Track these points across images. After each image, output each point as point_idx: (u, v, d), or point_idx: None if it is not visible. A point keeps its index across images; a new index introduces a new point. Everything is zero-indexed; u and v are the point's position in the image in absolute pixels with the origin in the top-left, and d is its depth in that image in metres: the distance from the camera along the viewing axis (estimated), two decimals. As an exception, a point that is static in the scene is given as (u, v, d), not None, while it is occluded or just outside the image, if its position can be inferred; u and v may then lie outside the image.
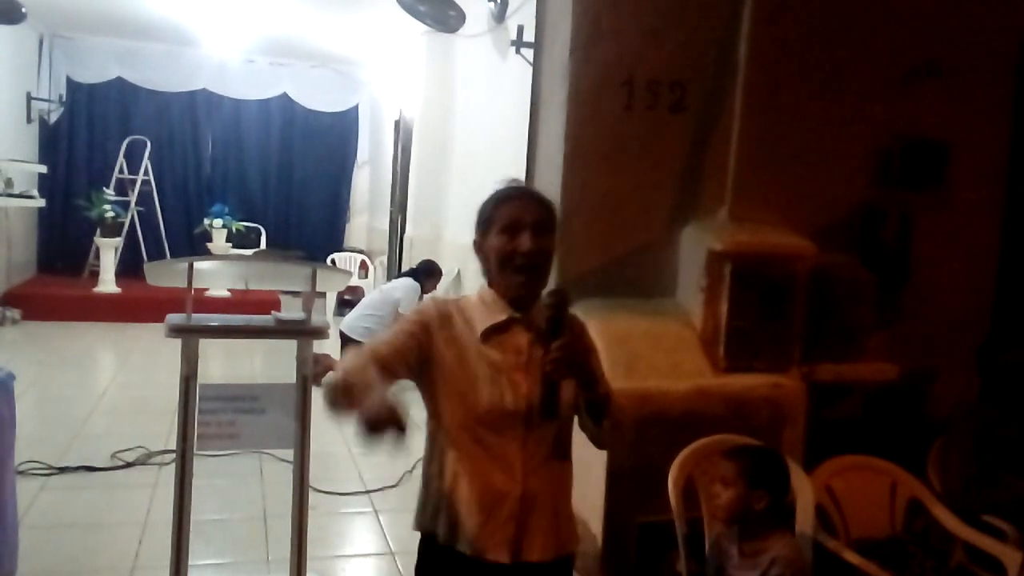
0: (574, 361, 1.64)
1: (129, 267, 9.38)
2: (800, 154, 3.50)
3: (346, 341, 6.22)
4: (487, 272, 1.79)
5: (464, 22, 7.00)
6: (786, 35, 3.42)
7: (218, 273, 3.73)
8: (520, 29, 5.63)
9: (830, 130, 3.54)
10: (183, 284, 2.67)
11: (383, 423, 1.46)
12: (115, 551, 3.53)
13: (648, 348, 3.24)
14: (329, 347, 5.38)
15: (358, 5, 7.96)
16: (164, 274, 2.84)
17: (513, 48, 5.71)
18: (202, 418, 2.65)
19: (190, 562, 2.71)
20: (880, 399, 3.62)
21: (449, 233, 7.75)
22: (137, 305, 8.71)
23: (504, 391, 1.70)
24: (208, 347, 2.72)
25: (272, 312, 2.88)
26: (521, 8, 5.86)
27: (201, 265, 2.82)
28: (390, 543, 3.77)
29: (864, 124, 3.59)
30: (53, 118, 10.57)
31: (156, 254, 9.76)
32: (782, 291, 3.35)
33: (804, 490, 2.77)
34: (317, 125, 11.85)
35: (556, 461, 1.79)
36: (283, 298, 8.29)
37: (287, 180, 11.91)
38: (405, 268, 7.84)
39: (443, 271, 6.93)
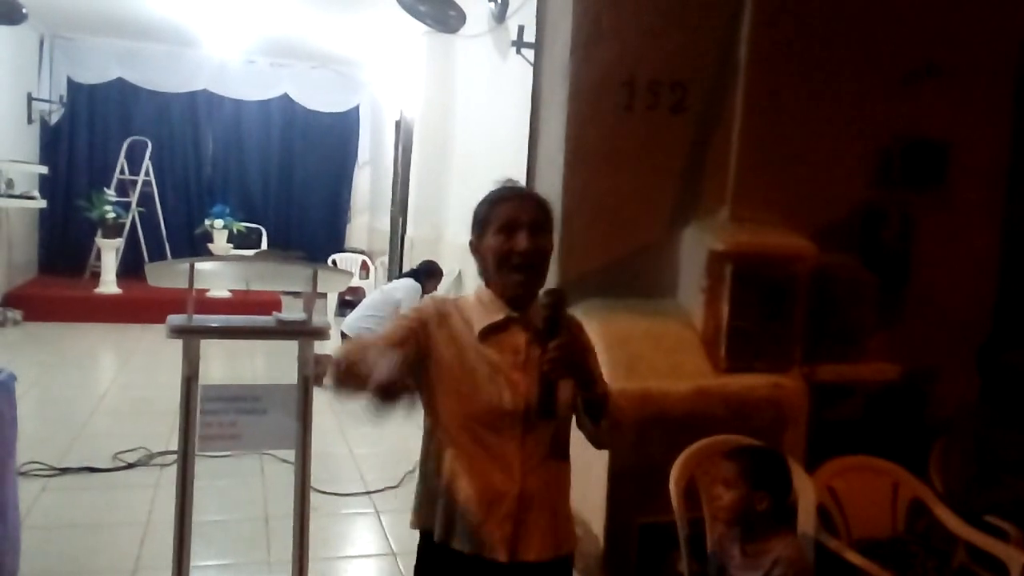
0: (571, 361, 1.65)
1: (130, 268, 9.39)
2: (801, 154, 3.50)
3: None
4: (484, 272, 1.80)
5: (464, 22, 7.01)
6: (787, 35, 3.42)
7: (219, 274, 3.73)
8: (520, 29, 5.63)
9: (831, 130, 3.54)
10: (184, 285, 2.67)
11: (396, 388, 1.50)
12: (117, 552, 3.53)
13: (649, 348, 3.24)
14: (330, 348, 5.37)
15: (358, 6, 7.96)
16: (165, 275, 2.84)
17: (513, 48, 5.72)
18: (203, 419, 2.65)
19: (192, 563, 2.71)
20: (881, 399, 3.61)
21: (450, 233, 7.75)
22: (138, 306, 8.72)
23: (502, 390, 1.71)
24: (209, 348, 2.71)
25: (273, 313, 2.87)
26: (521, 8, 5.86)
27: (202, 266, 2.82)
28: (392, 544, 3.77)
29: (865, 124, 3.59)
30: (54, 119, 10.58)
31: (157, 255, 9.77)
32: (783, 291, 3.35)
33: (806, 490, 2.77)
34: (318, 125, 11.85)
35: (554, 461, 1.79)
36: (284, 299, 8.30)
37: (288, 181, 11.92)
38: (406, 269, 7.84)
39: (444, 272, 6.93)
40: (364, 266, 10.27)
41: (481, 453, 1.72)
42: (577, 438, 1.86)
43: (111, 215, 9.19)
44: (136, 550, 3.54)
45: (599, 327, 3.24)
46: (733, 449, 2.61)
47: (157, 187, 10.23)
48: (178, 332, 2.60)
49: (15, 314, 8.34)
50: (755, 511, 2.44)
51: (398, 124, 9.78)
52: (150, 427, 5.03)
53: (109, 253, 9.29)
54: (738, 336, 3.30)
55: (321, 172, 12.02)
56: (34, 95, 10.02)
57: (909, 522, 3.05)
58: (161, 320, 2.66)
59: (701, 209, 3.48)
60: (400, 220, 9.35)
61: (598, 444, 1.84)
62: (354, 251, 11.13)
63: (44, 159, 10.24)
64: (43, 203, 9.51)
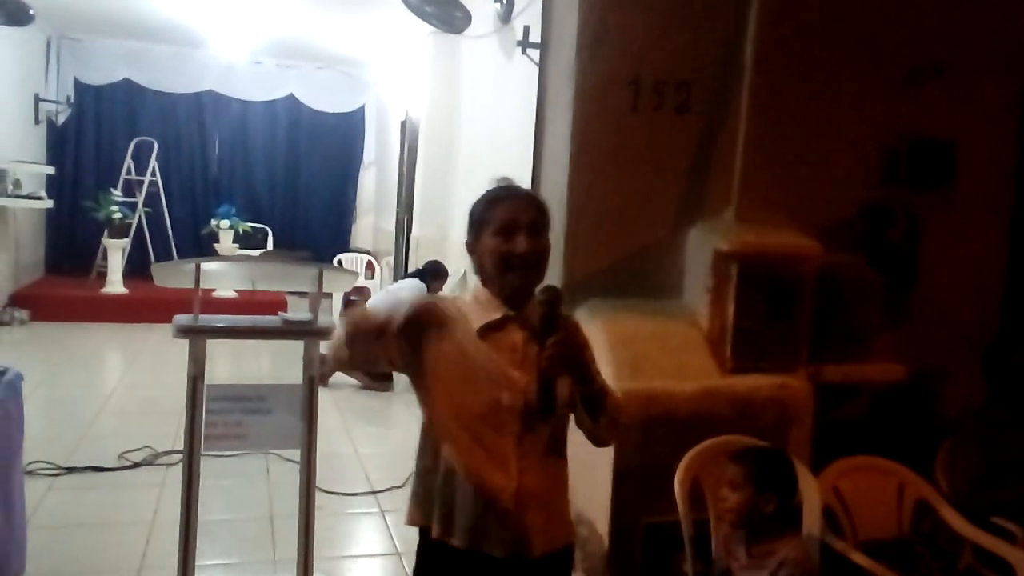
0: (569, 357, 1.66)
1: (136, 268, 9.42)
2: (806, 154, 3.49)
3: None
4: (481, 272, 1.81)
5: (470, 23, 7.01)
6: (792, 35, 3.42)
7: (225, 274, 3.74)
8: (526, 30, 5.63)
9: (836, 130, 3.53)
10: (190, 285, 2.67)
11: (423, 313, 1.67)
12: (122, 551, 3.54)
13: (654, 349, 3.23)
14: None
15: (364, 6, 7.97)
16: (171, 275, 2.84)
17: (519, 49, 5.71)
18: (209, 418, 2.65)
19: (197, 562, 2.72)
20: (887, 400, 3.60)
21: (455, 233, 7.75)
22: (144, 306, 8.74)
23: (500, 388, 1.72)
24: (215, 348, 2.72)
25: (279, 313, 2.88)
26: (527, 9, 5.86)
27: (208, 266, 2.83)
28: (396, 544, 3.78)
29: (870, 124, 3.58)
30: (61, 119, 10.61)
31: (163, 255, 9.77)
32: (789, 292, 3.34)
33: (811, 491, 2.77)
34: (323, 126, 11.87)
35: (552, 458, 1.80)
36: (290, 299, 8.29)
37: (294, 181, 11.94)
38: (411, 269, 7.85)
39: (449, 272, 6.93)
40: (369, 266, 10.28)
41: (479, 450, 1.73)
42: (580, 438, 1.86)
43: (117, 215, 9.21)
44: (142, 549, 3.55)
45: (604, 327, 3.24)
46: (739, 451, 2.61)
47: (163, 187, 10.25)
48: (184, 332, 2.61)
49: (22, 314, 8.37)
50: (761, 513, 2.44)
51: (404, 124, 9.79)
52: (156, 426, 5.04)
53: (115, 253, 9.32)
54: (744, 336, 3.30)
55: (327, 172, 12.04)
56: (41, 96, 10.04)
57: (915, 523, 3.04)
58: (167, 320, 2.67)
59: (706, 209, 3.47)
60: (405, 220, 9.36)
61: (597, 441, 1.85)
62: (359, 251, 11.15)
63: (51, 159, 10.27)
64: (50, 203, 9.54)
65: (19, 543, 3.02)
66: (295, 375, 2.78)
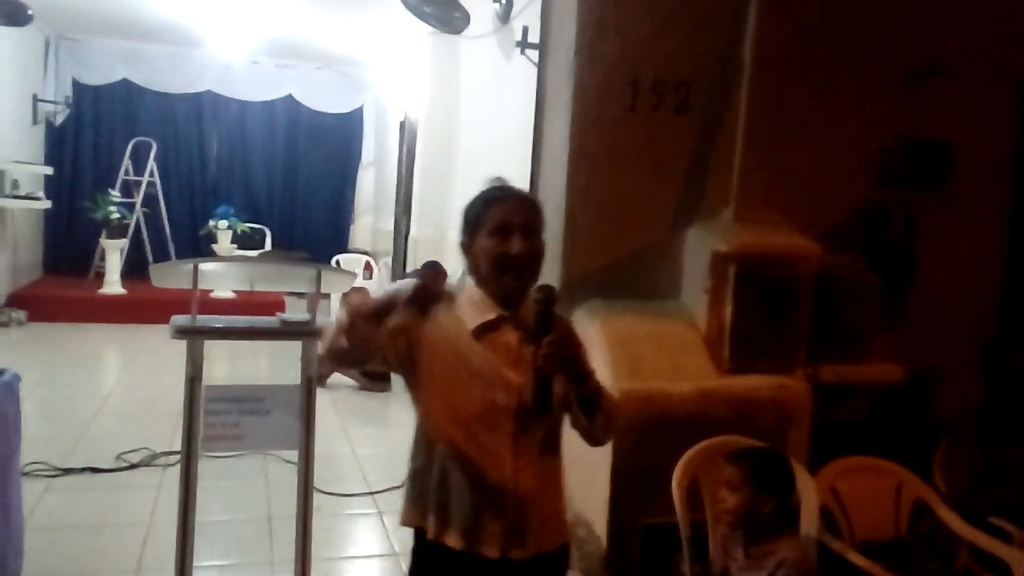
0: (566, 355, 1.66)
1: (134, 268, 9.40)
2: (805, 155, 3.50)
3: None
4: (475, 273, 1.80)
5: (469, 23, 7.01)
6: (790, 35, 3.42)
7: (223, 274, 3.74)
8: (525, 30, 5.63)
9: (834, 130, 3.54)
10: (188, 285, 2.67)
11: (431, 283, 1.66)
12: (120, 552, 3.53)
13: (652, 349, 3.24)
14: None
15: (363, 6, 7.96)
16: (169, 275, 2.85)
17: (518, 49, 5.71)
18: (207, 419, 2.65)
19: (195, 563, 2.72)
20: (885, 400, 3.61)
21: (454, 234, 7.64)
22: (142, 306, 8.73)
23: (495, 388, 1.72)
24: (213, 348, 2.72)
25: (277, 313, 2.88)
26: (526, 9, 5.86)
27: (206, 266, 2.83)
28: (394, 545, 3.77)
29: (868, 124, 3.59)
30: (59, 120, 10.59)
31: (161, 255, 9.76)
32: (787, 292, 3.35)
33: (808, 492, 2.77)
34: (322, 126, 11.86)
35: (546, 457, 1.81)
36: (288, 299, 8.32)
37: (292, 181, 11.93)
38: (410, 269, 7.84)
39: (448, 272, 6.92)
40: (368, 267, 10.27)
41: (474, 450, 1.73)
42: (578, 439, 1.86)
43: (116, 216, 9.20)
44: (139, 550, 3.55)
45: (602, 327, 3.25)
46: (736, 452, 2.61)
47: (162, 188, 10.23)
48: (182, 333, 2.61)
49: (20, 314, 8.36)
50: (760, 514, 2.44)
51: (402, 125, 9.78)
52: (153, 427, 5.03)
53: (113, 254, 9.31)
54: (742, 337, 3.30)
55: (325, 173, 12.03)
56: (39, 96, 10.03)
57: (912, 523, 3.04)
58: (165, 321, 2.67)
59: (705, 209, 3.48)
60: (404, 220, 9.35)
61: (592, 440, 1.84)
62: (358, 252, 11.13)
63: (49, 160, 10.26)
64: (48, 204, 9.53)
65: (16, 544, 3.01)
66: (293, 376, 2.79)
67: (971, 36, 3.67)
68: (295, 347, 2.76)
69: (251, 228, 10.41)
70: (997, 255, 3.85)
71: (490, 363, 1.73)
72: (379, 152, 11.90)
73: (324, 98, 11.70)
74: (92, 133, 10.89)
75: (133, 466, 4.54)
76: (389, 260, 9.99)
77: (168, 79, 10.93)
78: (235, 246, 9.98)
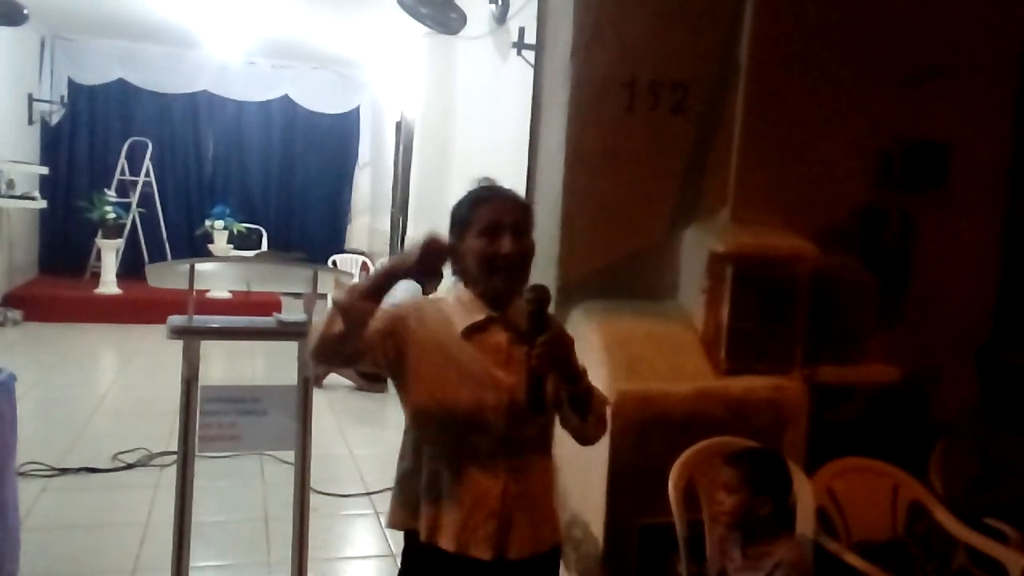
0: (559, 355, 1.65)
1: (130, 268, 9.38)
2: (802, 155, 3.50)
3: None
4: (463, 273, 1.79)
5: (465, 24, 7.00)
6: (788, 36, 3.42)
7: (219, 275, 3.74)
8: (521, 31, 5.63)
9: (832, 131, 3.54)
10: (184, 286, 2.67)
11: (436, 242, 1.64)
12: (116, 552, 3.53)
13: (649, 350, 3.24)
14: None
15: (359, 7, 7.96)
16: (166, 276, 2.85)
17: (514, 50, 5.70)
18: (203, 420, 2.65)
19: (191, 563, 2.72)
20: (882, 401, 3.61)
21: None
22: (138, 306, 8.72)
23: (485, 389, 1.71)
24: (209, 349, 2.72)
25: (273, 314, 2.88)
26: (522, 10, 5.86)
27: (202, 267, 2.83)
28: (391, 545, 3.77)
29: (865, 125, 3.59)
30: (55, 119, 10.57)
31: (157, 255, 9.76)
32: (784, 293, 3.35)
33: (805, 493, 2.77)
34: (318, 127, 11.85)
35: (538, 458, 1.81)
36: (284, 300, 8.29)
37: (288, 181, 11.91)
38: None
39: (444, 273, 6.92)
40: (364, 267, 10.27)
41: (464, 451, 1.72)
42: (572, 441, 1.86)
43: (111, 216, 9.19)
44: (136, 550, 3.55)
45: (599, 328, 3.25)
46: (733, 453, 2.61)
47: (158, 188, 10.23)
48: (178, 333, 2.61)
49: (15, 314, 8.34)
50: (757, 515, 2.44)
51: (399, 125, 9.78)
52: (150, 428, 5.03)
53: (109, 254, 9.30)
54: (739, 337, 3.30)
55: (322, 173, 12.02)
56: (35, 96, 10.01)
57: (909, 524, 3.05)
58: (161, 321, 2.67)
59: (702, 210, 3.48)
60: (400, 221, 9.35)
61: (583, 440, 1.84)
62: (354, 252, 11.13)
63: (45, 160, 10.24)
64: (44, 203, 9.51)
65: (13, 545, 3.01)
66: (290, 376, 2.79)
67: (969, 37, 3.68)
68: (292, 347, 2.76)
69: (247, 228, 10.40)
70: (994, 255, 3.86)
71: (480, 364, 1.72)
72: (375, 152, 11.90)
73: (320, 98, 11.69)
74: (88, 133, 10.86)
75: (130, 466, 4.54)
76: (385, 260, 9.97)
77: (164, 79, 10.92)
78: (231, 246, 9.97)
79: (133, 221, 9.83)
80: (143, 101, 11.01)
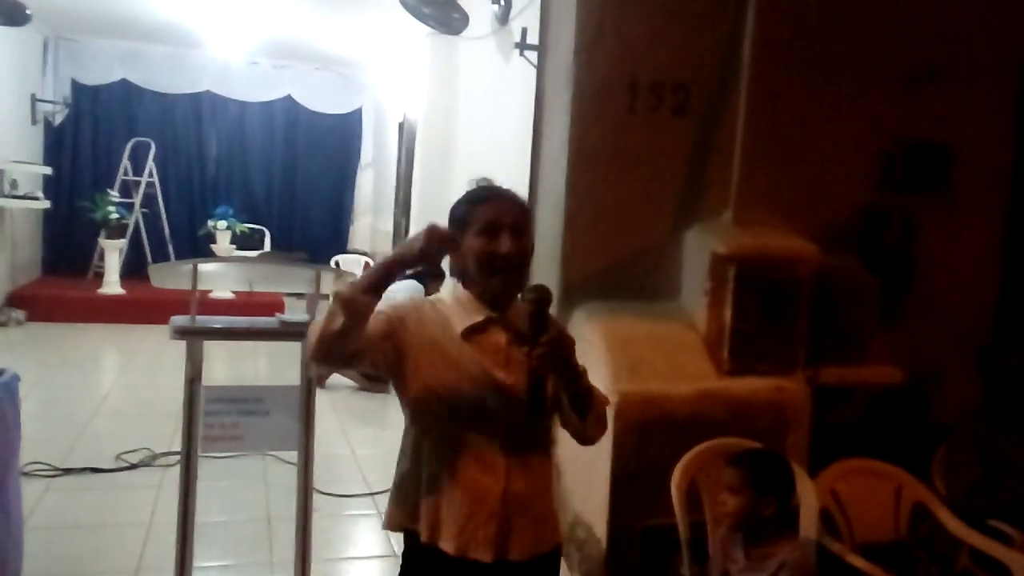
0: (561, 356, 1.65)
1: (133, 269, 9.41)
2: (804, 157, 3.50)
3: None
4: (461, 274, 1.79)
5: (468, 24, 7.01)
6: (789, 37, 3.42)
7: (222, 275, 3.74)
8: (524, 32, 5.63)
9: (833, 132, 3.54)
10: (187, 286, 2.67)
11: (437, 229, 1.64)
12: (119, 552, 3.53)
13: (651, 351, 3.24)
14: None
15: (362, 7, 7.97)
16: (168, 276, 2.85)
17: (517, 50, 5.71)
18: (206, 420, 2.65)
19: (194, 564, 2.72)
20: (884, 402, 3.61)
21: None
22: (141, 307, 8.72)
23: (485, 390, 1.71)
24: (212, 349, 2.72)
25: (276, 314, 2.88)
26: (525, 11, 5.86)
27: (205, 267, 2.83)
28: (394, 545, 3.77)
29: (867, 127, 3.59)
30: (58, 120, 10.59)
31: (160, 256, 9.77)
32: (786, 294, 3.35)
33: (807, 494, 2.77)
34: (321, 127, 11.86)
35: (538, 458, 1.80)
36: (287, 300, 8.29)
37: (291, 182, 11.93)
38: (409, 271, 7.84)
39: (447, 273, 6.92)
40: (367, 267, 10.26)
41: (464, 453, 1.72)
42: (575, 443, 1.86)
43: (115, 216, 9.21)
44: (139, 551, 3.55)
45: (601, 329, 3.25)
46: (735, 455, 2.61)
47: (161, 188, 10.24)
48: (181, 333, 2.61)
49: (19, 314, 8.35)
50: (760, 516, 2.44)
51: (401, 126, 9.79)
52: (153, 428, 5.03)
53: (112, 254, 9.31)
54: (741, 339, 3.30)
55: (324, 173, 12.03)
56: (38, 96, 10.03)
57: (912, 526, 3.04)
58: (164, 321, 2.67)
59: (704, 211, 3.48)
60: (403, 221, 9.36)
61: (583, 440, 1.84)
62: (357, 252, 11.14)
63: (48, 160, 10.26)
64: (47, 204, 9.53)
65: (16, 545, 3.01)
66: (292, 377, 2.79)
67: (971, 37, 3.68)
68: (294, 348, 2.76)
69: (250, 229, 10.42)
70: (995, 257, 3.86)
71: (479, 365, 1.72)
72: (378, 153, 11.91)
73: (323, 99, 11.70)
74: (91, 133, 10.89)
75: (133, 466, 4.54)
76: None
77: (167, 79, 10.94)
78: (234, 247, 9.99)
79: (136, 221, 9.84)
80: (146, 101, 11.04)
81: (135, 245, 9.83)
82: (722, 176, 3.46)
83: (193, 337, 2.63)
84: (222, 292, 8.49)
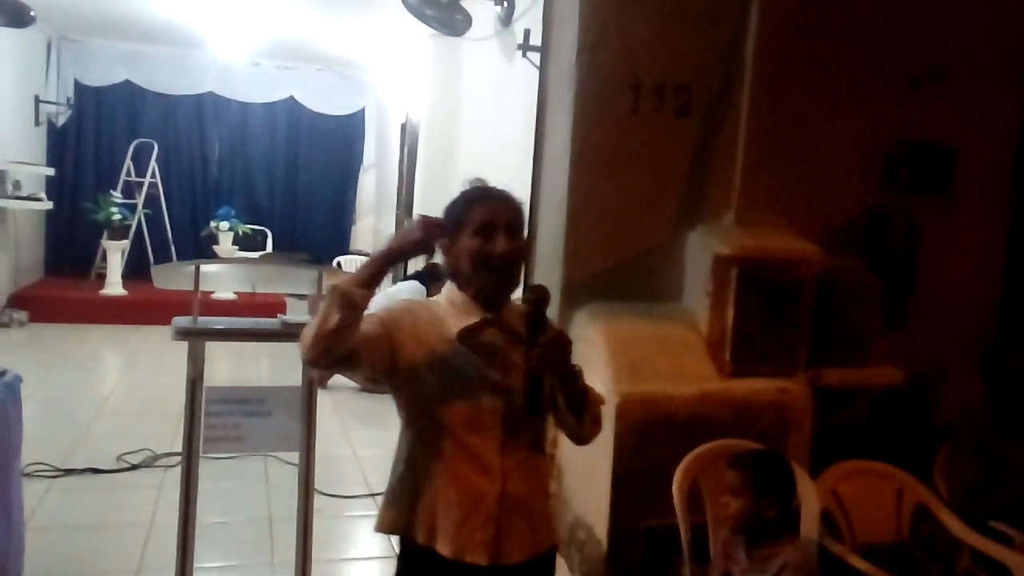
0: (559, 356, 1.65)
1: (136, 269, 9.42)
2: (806, 158, 3.50)
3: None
4: (456, 274, 1.79)
5: (470, 26, 7.01)
6: (792, 39, 3.42)
7: (224, 276, 3.74)
8: (527, 33, 5.64)
9: (836, 134, 3.54)
10: (190, 287, 2.68)
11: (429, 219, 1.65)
12: (121, 553, 3.53)
13: (653, 352, 3.23)
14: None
15: (364, 8, 7.97)
16: (171, 277, 2.85)
17: (519, 52, 5.72)
18: (208, 421, 2.65)
19: (195, 564, 2.72)
20: (886, 404, 3.60)
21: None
22: (143, 307, 8.74)
23: (481, 391, 1.71)
24: (214, 350, 2.72)
25: (278, 315, 2.88)
26: (528, 12, 5.87)
27: (208, 268, 2.83)
28: (394, 547, 3.76)
29: (870, 128, 3.59)
30: (61, 121, 10.61)
31: (163, 257, 9.78)
32: (788, 295, 3.34)
33: (809, 495, 2.77)
34: (323, 128, 11.87)
35: (533, 459, 1.80)
36: (289, 301, 8.31)
37: (293, 183, 11.94)
38: (410, 271, 7.85)
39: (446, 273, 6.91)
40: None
41: (461, 454, 1.71)
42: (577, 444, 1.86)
43: (117, 217, 9.22)
44: (140, 551, 3.55)
45: (603, 330, 3.24)
46: (737, 456, 2.60)
47: (163, 189, 10.25)
48: (183, 334, 2.61)
49: (21, 315, 8.36)
50: (763, 518, 2.43)
51: (404, 127, 9.79)
52: (154, 429, 5.03)
53: (115, 255, 9.32)
54: (743, 340, 3.30)
55: (326, 174, 12.05)
56: (41, 97, 10.04)
57: (913, 527, 3.04)
58: (166, 322, 2.67)
59: (706, 212, 3.48)
60: (405, 223, 9.36)
61: (579, 440, 1.85)
62: (359, 253, 11.14)
63: (51, 161, 10.28)
64: (49, 205, 9.54)
65: (17, 545, 3.01)
66: (294, 378, 2.79)
67: (972, 38, 3.67)
68: (296, 349, 2.75)
69: (252, 230, 10.43)
70: (998, 258, 3.85)
71: (475, 366, 1.72)
72: (380, 154, 11.91)
73: (325, 100, 11.72)
74: (94, 134, 10.91)
75: (134, 467, 4.54)
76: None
77: (169, 80, 10.96)
78: (236, 247, 10.00)
79: (139, 222, 9.86)
80: (149, 102, 11.06)
81: (137, 246, 9.84)
82: (724, 177, 3.46)
83: (195, 338, 2.63)
84: (224, 293, 8.50)
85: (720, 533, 2.66)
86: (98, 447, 4.78)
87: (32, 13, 7.89)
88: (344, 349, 1.59)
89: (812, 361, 3.44)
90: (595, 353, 3.14)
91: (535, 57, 4.68)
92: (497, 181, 1.85)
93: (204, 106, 11.35)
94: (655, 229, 3.47)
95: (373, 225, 12.08)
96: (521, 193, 1.90)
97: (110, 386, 6.51)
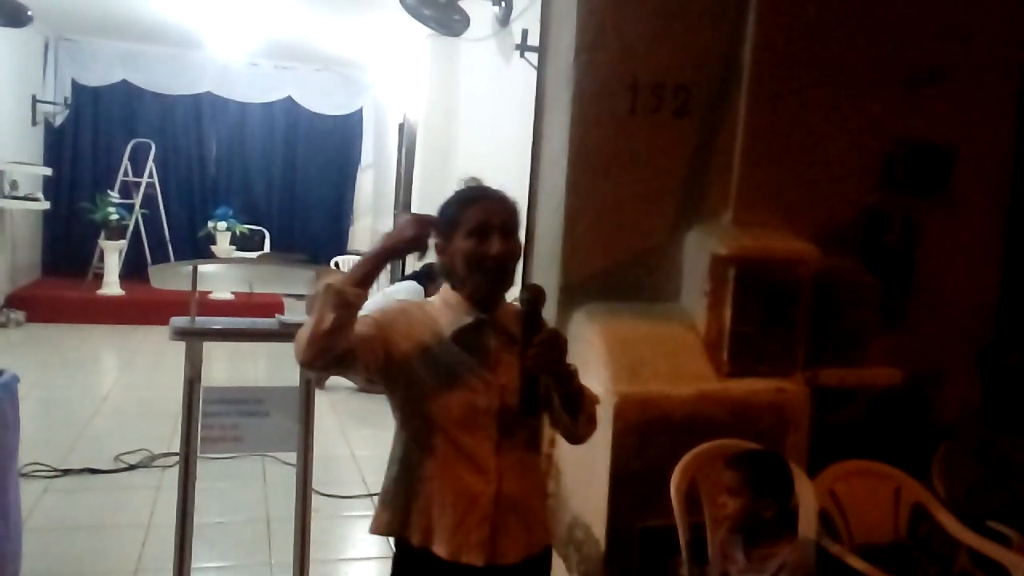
0: (554, 356, 1.65)
1: (133, 270, 9.42)
2: (804, 158, 3.50)
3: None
4: (450, 275, 1.78)
5: (468, 26, 7.02)
6: (790, 39, 3.42)
7: (222, 276, 3.75)
8: (524, 33, 5.64)
9: (834, 134, 3.54)
10: (187, 287, 2.68)
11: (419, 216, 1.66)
12: (118, 553, 3.53)
13: (651, 352, 3.23)
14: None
15: (362, 9, 7.97)
16: (168, 277, 2.85)
17: (517, 52, 5.72)
18: (206, 421, 2.65)
19: (193, 565, 2.72)
20: (884, 404, 3.61)
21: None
22: (141, 308, 8.73)
23: (476, 391, 1.71)
24: (212, 350, 2.72)
25: (276, 315, 2.88)
26: (526, 12, 5.87)
27: (205, 268, 2.83)
28: (393, 547, 3.77)
29: (868, 128, 3.59)
30: (58, 121, 10.61)
31: (160, 257, 9.78)
32: (786, 295, 3.34)
33: (807, 495, 2.77)
34: (321, 128, 11.88)
35: (528, 459, 1.80)
36: (287, 301, 8.31)
37: (291, 183, 11.95)
38: (408, 271, 7.85)
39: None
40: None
41: (456, 455, 1.71)
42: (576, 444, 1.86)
43: (114, 217, 9.22)
44: (138, 552, 3.55)
45: (601, 330, 3.24)
46: (734, 456, 2.60)
47: (161, 189, 10.25)
48: (181, 334, 2.61)
49: (18, 315, 8.36)
50: (761, 518, 2.43)
51: (401, 127, 9.79)
52: (152, 429, 5.03)
53: (112, 255, 9.31)
54: (741, 340, 3.30)
55: (324, 174, 12.05)
56: (39, 97, 10.04)
57: (911, 527, 3.04)
58: (164, 322, 2.67)
59: (704, 212, 3.47)
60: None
61: (573, 439, 1.85)
62: (357, 253, 11.13)
63: (48, 161, 10.28)
64: (47, 205, 9.54)
65: (15, 545, 3.01)
66: (292, 378, 2.78)
67: (971, 39, 3.67)
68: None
69: (250, 230, 10.43)
70: (996, 258, 3.85)
71: (469, 366, 1.71)
72: (378, 154, 11.92)
73: (323, 100, 11.72)
74: (91, 134, 10.91)
75: (132, 467, 4.54)
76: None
77: (167, 80, 10.96)
78: (234, 248, 10.00)
79: (136, 222, 9.85)
80: (146, 102, 11.06)
81: (135, 246, 9.84)
82: (722, 177, 3.46)
83: (193, 338, 2.63)
84: (222, 293, 8.49)
85: (718, 533, 2.66)
86: (96, 447, 4.78)
87: (29, 13, 7.89)
88: (339, 350, 1.58)
89: (810, 361, 3.44)
90: (593, 353, 3.14)
91: (533, 57, 4.68)
92: (494, 181, 1.84)
93: (202, 106, 11.35)
94: (653, 229, 3.47)
95: (371, 225, 12.08)
96: (519, 193, 1.89)
97: (108, 386, 6.51)
